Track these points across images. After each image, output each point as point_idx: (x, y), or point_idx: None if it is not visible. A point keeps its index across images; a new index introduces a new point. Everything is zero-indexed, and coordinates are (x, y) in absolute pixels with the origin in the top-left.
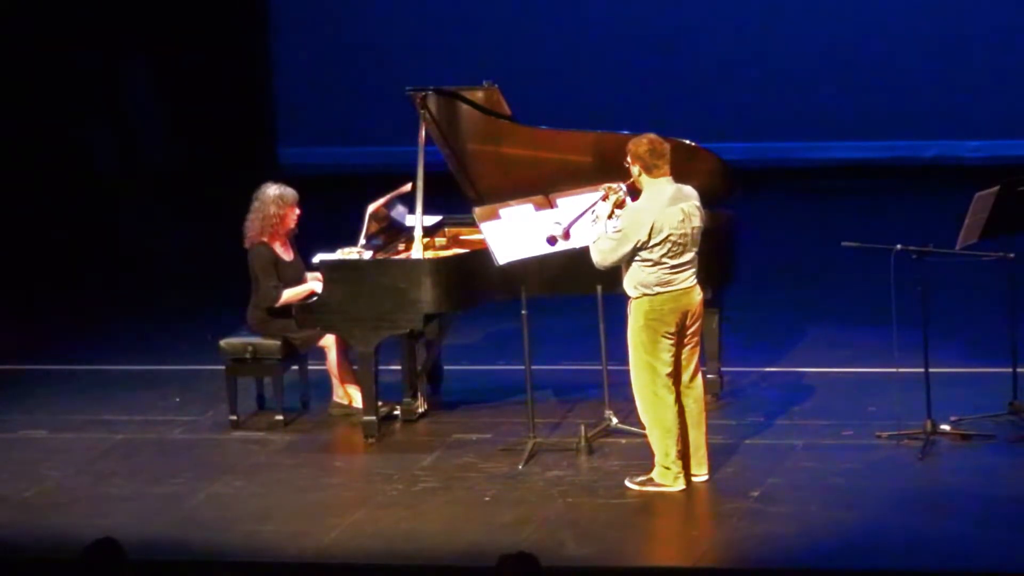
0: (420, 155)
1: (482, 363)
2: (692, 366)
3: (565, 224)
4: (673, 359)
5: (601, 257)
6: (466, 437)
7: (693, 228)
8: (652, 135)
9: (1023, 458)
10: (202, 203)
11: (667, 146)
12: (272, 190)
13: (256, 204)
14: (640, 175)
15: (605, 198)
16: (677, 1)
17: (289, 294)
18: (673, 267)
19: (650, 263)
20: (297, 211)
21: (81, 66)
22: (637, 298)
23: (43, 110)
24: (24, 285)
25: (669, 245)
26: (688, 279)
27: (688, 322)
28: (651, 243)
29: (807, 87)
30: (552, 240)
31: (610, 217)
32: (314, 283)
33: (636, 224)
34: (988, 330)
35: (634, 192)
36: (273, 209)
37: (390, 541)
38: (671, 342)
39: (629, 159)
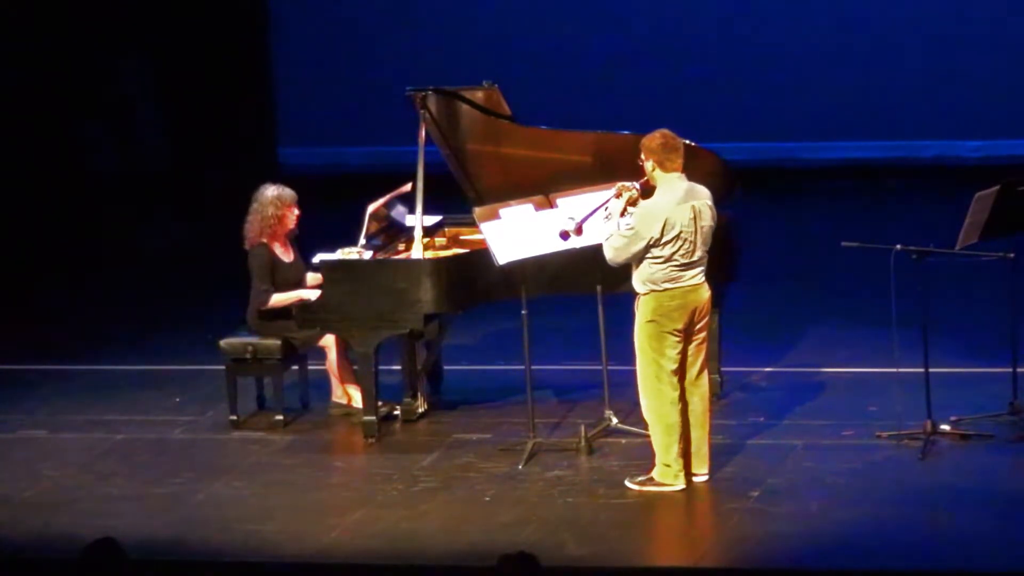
0: (420, 155)
1: (482, 363)
2: (699, 363)
3: (578, 219)
4: (679, 356)
5: (614, 254)
6: (466, 437)
7: (703, 226)
8: (665, 130)
9: (1023, 458)
10: (201, 203)
11: (680, 141)
12: (270, 191)
13: (255, 206)
14: (654, 170)
15: (618, 195)
16: (677, 1)
17: (278, 299)
18: (682, 264)
19: (660, 260)
20: (296, 211)
21: (81, 66)
22: (645, 294)
23: (43, 109)
24: (24, 285)
25: (680, 242)
26: (696, 276)
27: (696, 319)
28: (663, 240)
29: (807, 87)
30: (565, 235)
31: (623, 214)
32: (305, 292)
33: (649, 221)
34: (988, 330)
35: (647, 191)
36: (271, 210)
37: (390, 541)
38: (677, 339)
39: (643, 154)
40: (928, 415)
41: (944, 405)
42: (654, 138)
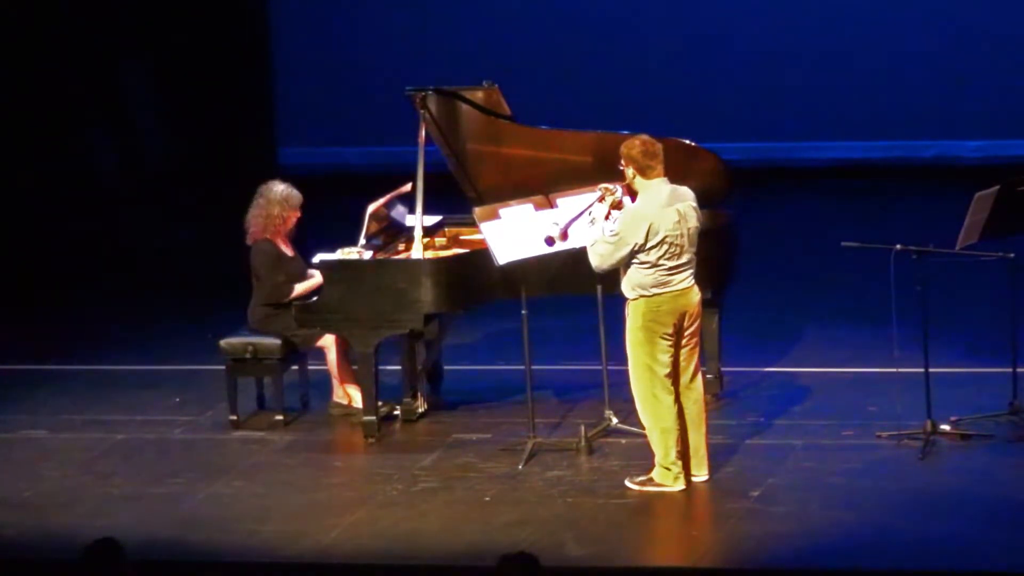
0: (420, 155)
1: (482, 363)
2: (691, 367)
3: (563, 225)
4: (671, 360)
5: (600, 261)
6: (466, 437)
7: (689, 229)
8: (644, 136)
9: (1023, 458)
10: (202, 203)
11: (660, 147)
12: (279, 189)
13: (260, 200)
14: (635, 177)
15: (601, 199)
16: (677, 2)
17: (300, 288)
18: (670, 268)
19: (647, 265)
20: (299, 214)
21: (81, 66)
22: (634, 299)
23: (43, 110)
24: (24, 285)
25: (666, 246)
26: (685, 280)
27: (686, 323)
28: (648, 245)
29: (807, 87)
30: (550, 241)
31: (607, 218)
32: (319, 278)
33: (633, 227)
34: (988, 330)
35: (631, 193)
36: (277, 210)
37: (390, 541)
38: (669, 343)
39: (623, 161)
40: (928, 415)
41: (944, 405)
42: (633, 145)
